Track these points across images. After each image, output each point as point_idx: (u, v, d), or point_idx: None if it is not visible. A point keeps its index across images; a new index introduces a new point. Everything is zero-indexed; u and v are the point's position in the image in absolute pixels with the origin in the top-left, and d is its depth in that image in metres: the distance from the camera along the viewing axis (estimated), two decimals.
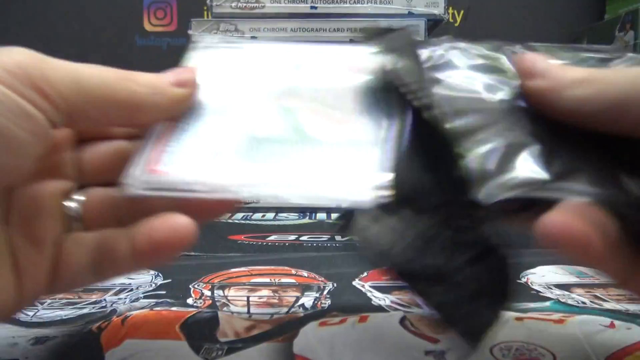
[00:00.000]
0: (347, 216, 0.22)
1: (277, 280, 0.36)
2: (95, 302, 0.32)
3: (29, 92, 0.20)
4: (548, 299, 0.33)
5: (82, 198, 0.25)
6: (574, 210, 0.19)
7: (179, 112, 0.25)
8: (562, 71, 0.22)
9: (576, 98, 0.21)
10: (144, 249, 0.22)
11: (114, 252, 0.23)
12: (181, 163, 0.23)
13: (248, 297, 0.33)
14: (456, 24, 0.79)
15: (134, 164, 0.23)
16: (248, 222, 0.58)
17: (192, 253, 0.43)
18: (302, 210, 0.62)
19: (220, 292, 0.33)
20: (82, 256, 0.23)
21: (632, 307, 0.31)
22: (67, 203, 0.25)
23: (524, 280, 0.38)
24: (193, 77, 0.26)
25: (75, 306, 0.32)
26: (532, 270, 0.40)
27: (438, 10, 0.61)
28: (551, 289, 0.36)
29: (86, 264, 0.23)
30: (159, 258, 0.22)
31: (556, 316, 0.30)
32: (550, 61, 0.23)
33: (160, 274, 0.38)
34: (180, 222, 0.22)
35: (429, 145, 0.23)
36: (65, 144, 0.26)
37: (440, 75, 0.25)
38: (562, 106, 0.22)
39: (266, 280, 0.36)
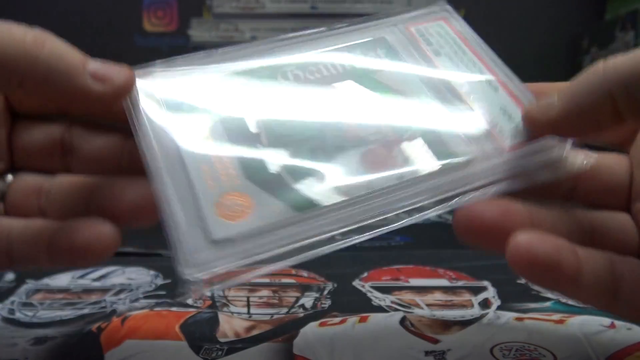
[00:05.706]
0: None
1: (277, 280, 0.36)
2: (95, 303, 0.32)
3: None
4: (548, 299, 0.33)
5: (9, 178, 0.23)
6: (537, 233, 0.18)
7: (91, 110, 0.23)
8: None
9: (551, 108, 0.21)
10: (63, 251, 0.21)
11: (30, 245, 0.21)
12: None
13: (248, 298, 0.33)
14: None
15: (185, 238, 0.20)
16: None
17: None
18: None
19: (221, 293, 0.33)
20: None
21: None
22: None
23: (524, 280, 0.38)
24: (122, 77, 0.21)
25: (75, 307, 0.32)
26: None
27: None
28: None
29: None
30: (76, 262, 0.21)
31: (557, 316, 0.30)
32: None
33: (160, 274, 0.37)
34: (105, 231, 0.20)
35: None
36: None
37: None
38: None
39: (266, 280, 0.36)
